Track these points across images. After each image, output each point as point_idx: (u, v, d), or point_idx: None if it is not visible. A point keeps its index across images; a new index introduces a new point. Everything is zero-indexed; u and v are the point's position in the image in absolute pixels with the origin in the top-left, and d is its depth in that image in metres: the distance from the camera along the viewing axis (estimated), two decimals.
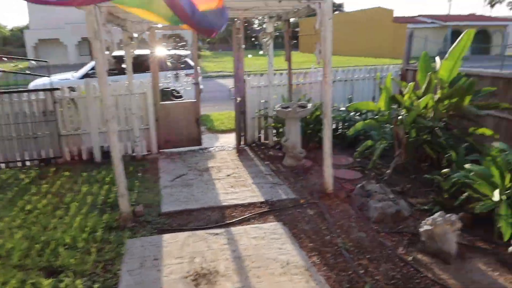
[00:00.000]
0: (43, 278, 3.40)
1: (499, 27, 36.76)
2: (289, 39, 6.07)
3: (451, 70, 5.75)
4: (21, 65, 32.27)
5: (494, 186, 4.00)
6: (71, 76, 11.01)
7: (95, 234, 4.13)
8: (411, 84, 5.86)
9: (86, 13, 3.84)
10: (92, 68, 10.77)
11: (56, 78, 11.01)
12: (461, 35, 5.62)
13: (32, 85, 10.75)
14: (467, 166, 4.27)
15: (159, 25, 6.43)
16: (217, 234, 4.15)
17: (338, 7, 68.87)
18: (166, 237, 4.10)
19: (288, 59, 6.32)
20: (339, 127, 7.52)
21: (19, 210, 4.77)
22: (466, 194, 4.36)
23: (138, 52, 7.07)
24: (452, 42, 5.94)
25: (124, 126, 6.91)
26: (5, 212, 4.73)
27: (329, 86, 4.71)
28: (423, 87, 5.79)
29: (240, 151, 7.19)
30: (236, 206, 4.85)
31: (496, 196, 3.83)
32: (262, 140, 7.76)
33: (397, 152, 5.93)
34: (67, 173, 6.06)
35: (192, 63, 11.86)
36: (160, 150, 7.30)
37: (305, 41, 49.22)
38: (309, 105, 6.24)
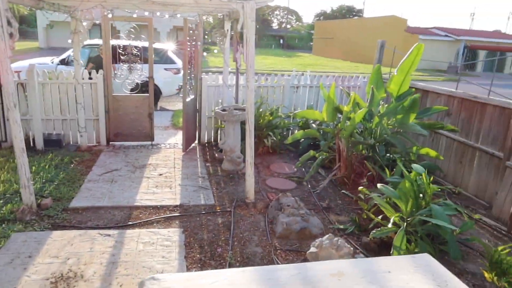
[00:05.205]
0: None
1: None
2: (237, 39, 5.85)
3: (400, 85, 5.47)
4: (31, 45, 32.71)
5: (398, 211, 3.74)
6: (50, 61, 10.93)
7: None
8: (354, 95, 5.59)
9: None
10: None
11: (36, 61, 11.00)
12: (411, 49, 5.33)
13: (14, 67, 10.71)
14: (379, 186, 4.01)
15: (110, 15, 6.28)
16: (108, 235, 3.97)
17: (357, 12, 68.02)
18: (55, 234, 3.94)
19: (235, 60, 6.10)
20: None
21: None
22: (380, 216, 4.10)
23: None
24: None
25: (74, 115, 6.80)
26: None
27: (251, 91, 4.48)
28: (368, 100, 5.51)
29: (189, 150, 7.01)
30: (147, 207, 4.66)
31: (393, 222, 3.57)
32: (219, 140, 7.57)
33: (336, 166, 5.67)
34: (1, 158, 5.97)
35: (174, 57, 11.73)
36: (111, 143, 7.17)
37: (320, 45, 48.76)
38: None
